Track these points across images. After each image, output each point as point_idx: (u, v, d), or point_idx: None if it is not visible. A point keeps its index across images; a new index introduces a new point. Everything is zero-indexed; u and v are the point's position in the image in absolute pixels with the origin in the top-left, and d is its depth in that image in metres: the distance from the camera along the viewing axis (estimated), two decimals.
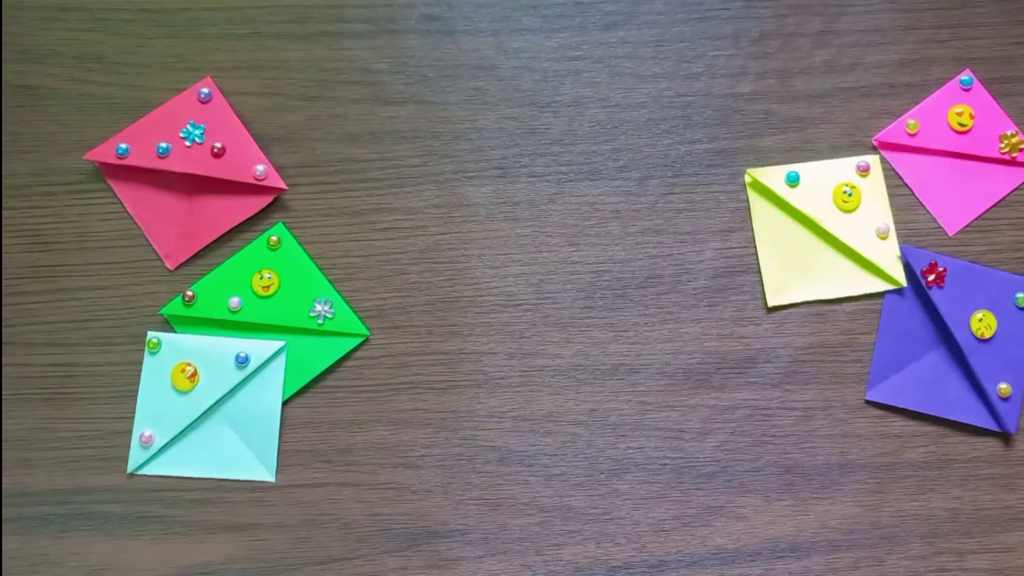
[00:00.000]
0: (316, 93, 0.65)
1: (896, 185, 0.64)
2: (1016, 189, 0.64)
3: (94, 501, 0.60)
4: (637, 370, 0.61)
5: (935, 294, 0.61)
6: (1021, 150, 0.64)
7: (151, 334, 0.61)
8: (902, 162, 0.64)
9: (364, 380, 0.61)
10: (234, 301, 0.61)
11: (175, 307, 0.61)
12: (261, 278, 0.62)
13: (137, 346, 0.61)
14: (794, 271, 0.63)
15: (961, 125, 0.64)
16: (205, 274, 0.62)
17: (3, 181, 0.64)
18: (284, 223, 0.63)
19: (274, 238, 0.63)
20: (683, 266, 0.63)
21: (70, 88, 0.65)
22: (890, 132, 0.64)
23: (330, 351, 0.61)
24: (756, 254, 0.63)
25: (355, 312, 0.62)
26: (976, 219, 0.64)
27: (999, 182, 0.64)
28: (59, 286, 0.63)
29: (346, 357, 0.61)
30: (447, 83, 0.65)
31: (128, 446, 0.60)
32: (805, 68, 0.66)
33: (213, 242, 0.63)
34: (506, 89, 0.65)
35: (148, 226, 0.63)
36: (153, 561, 0.59)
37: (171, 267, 0.63)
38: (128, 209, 0.63)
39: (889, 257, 0.62)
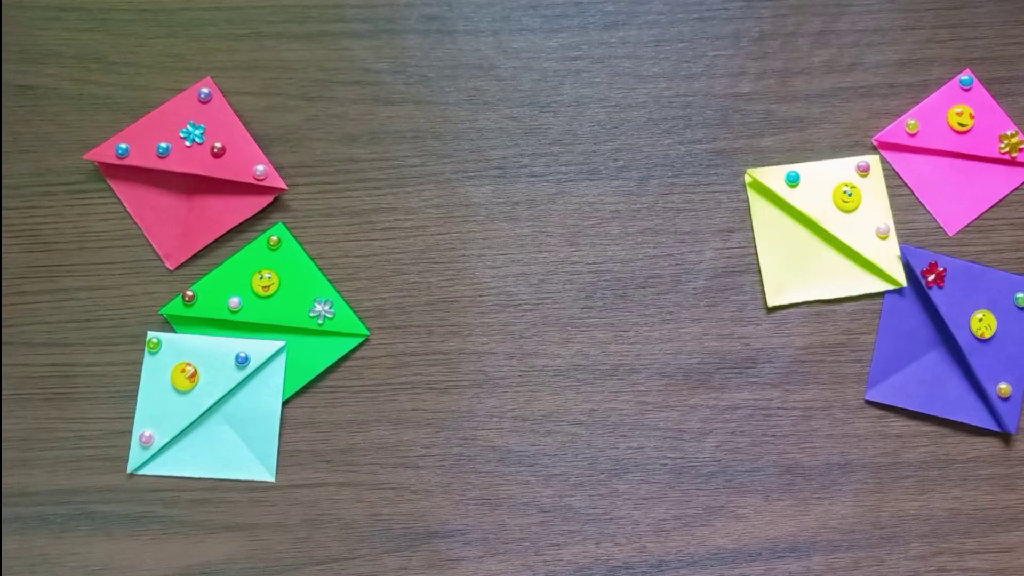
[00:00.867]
0: (316, 93, 0.65)
1: (896, 185, 0.64)
2: (1016, 189, 0.64)
3: (94, 501, 0.60)
4: (637, 370, 0.61)
5: (935, 294, 0.61)
6: (1021, 150, 0.64)
7: (151, 334, 0.61)
8: (902, 162, 0.64)
9: (364, 380, 0.61)
10: (234, 301, 0.61)
11: (175, 307, 0.61)
12: (261, 278, 0.62)
13: (137, 346, 0.61)
14: (794, 271, 0.63)
15: (961, 125, 0.64)
16: (205, 274, 0.62)
17: (3, 181, 0.64)
18: (284, 223, 0.63)
19: (274, 238, 0.63)
20: (683, 266, 0.63)
21: (70, 88, 0.65)
22: (890, 132, 0.64)
23: (330, 351, 0.61)
24: (756, 254, 0.63)
25: (355, 312, 0.62)
26: (976, 219, 0.64)
27: (999, 182, 0.64)
28: (59, 286, 0.63)
29: (346, 357, 0.61)
30: (447, 83, 0.65)
31: (128, 446, 0.60)
32: (805, 68, 0.66)
33: (213, 242, 0.63)
34: (506, 89, 0.65)
35: (148, 226, 0.63)
36: (153, 561, 0.59)
37: (171, 267, 0.63)
38: (128, 209, 0.63)
39: (889, 257, 0.62)
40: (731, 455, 0.60)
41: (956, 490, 0.60)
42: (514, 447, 0.60)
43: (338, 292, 0.62)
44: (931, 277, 0.61)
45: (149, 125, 0.63)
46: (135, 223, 0.63)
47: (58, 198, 0.64)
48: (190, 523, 0.59)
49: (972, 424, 0.61)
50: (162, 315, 0.62)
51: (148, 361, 0.61)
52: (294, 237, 0.63)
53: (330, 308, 0.62)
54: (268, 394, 0.61)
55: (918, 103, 0.65)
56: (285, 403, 0.61)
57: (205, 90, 0.64)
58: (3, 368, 0.61)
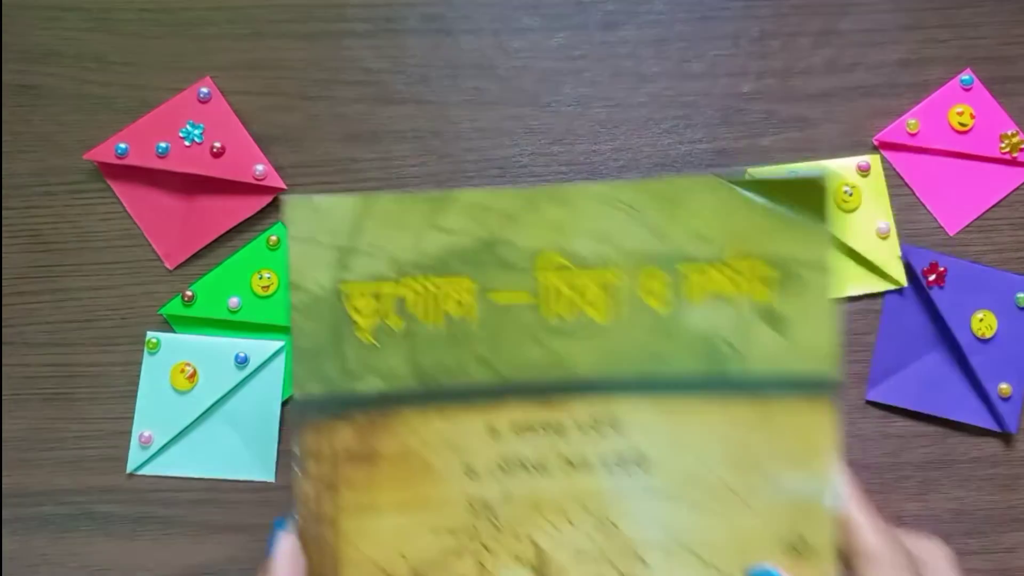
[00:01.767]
0: (316, 93, 0.65)
1: (897, 185, 0.64)
2: (1017, 189, 0.64)
3: (94, 501, 0.60)
4: None
5: (936, 294, 0.61)
6: (1022, 150, 0.64)
7: (151, 334, 0.61)
8: (903, 162, 0.64)
9: None
10: (234, 301, 0.61)
11: (175, 307, 0.61)
12: (261, 278, 0.62)
13: (137, 346, 0.61)
14: None
15: (962, 125, 0.64)
16: (205, 274, 0.62)
17: (3, 181, 0.64)
18: (284, 223, 0.63)
19: (274, 238, 0.63)
20: None
21: (70, 88, 0.65)
22: (891, 132, 0.64)
23: None
24: None
25: None
26: (977, 219, 0.64)
27: (1000, 182, 0.64)
28: (59, 286, 0.63)
29: None
30: (447, 83, 0.65)
31: (128, 446, 0.60)
32: (806, 68, 0.66)
33: (213, 242, 0.63)
34: (506, 89, 0.65)
35: (148, 226, 0.63)
36: (153, 562, 0.59)
37: (171, 267, 0.63)
38: (128, 209, 0.63)
39: (890, 257, 0.62)
40: None
41: (957, 490, 0.60)
42: None
43: None
44: (932, 277, 0.61)
45: (148, 125, 0.63)
46: (135, 223, 0.63)
47: (58, 198, 0.64)
48: (190, 523, 0.59)
49: (973, 424, 0.61)
50: (162, 315, 0.62)
51: (148, 361, 0.61)
52: None
53: None
54: (268, 394, 0.61)
55: (919, 103, 0.65)
56: (285, 403, 0.61)
57: (204, 90, 0.64)
58: (3, 368, 0.61)
